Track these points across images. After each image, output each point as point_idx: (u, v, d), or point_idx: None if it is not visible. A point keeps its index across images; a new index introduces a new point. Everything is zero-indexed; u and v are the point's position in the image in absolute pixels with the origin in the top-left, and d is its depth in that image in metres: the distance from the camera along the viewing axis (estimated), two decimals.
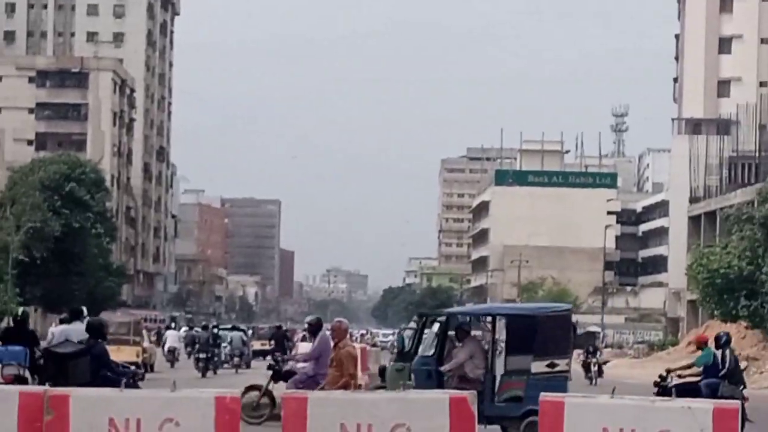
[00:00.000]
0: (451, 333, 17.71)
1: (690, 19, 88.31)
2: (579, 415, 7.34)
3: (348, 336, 14.31)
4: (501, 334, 17.50)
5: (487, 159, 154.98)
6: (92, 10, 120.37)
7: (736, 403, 8.91)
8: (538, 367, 16.28)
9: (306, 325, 22.00)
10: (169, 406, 7.36)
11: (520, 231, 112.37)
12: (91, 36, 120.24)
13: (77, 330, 18.62)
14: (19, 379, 15.80)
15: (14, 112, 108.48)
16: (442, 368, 17.54)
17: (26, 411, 7.10)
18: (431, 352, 18.60)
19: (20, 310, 21.09)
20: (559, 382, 15.67)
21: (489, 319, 18.47)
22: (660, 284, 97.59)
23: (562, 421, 7.16)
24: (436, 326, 18.98)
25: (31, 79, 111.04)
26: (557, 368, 16.86)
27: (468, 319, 20.34)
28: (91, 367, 12.74)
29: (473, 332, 18.89)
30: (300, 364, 17.24)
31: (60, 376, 12.98)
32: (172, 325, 51.50)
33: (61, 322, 22.75)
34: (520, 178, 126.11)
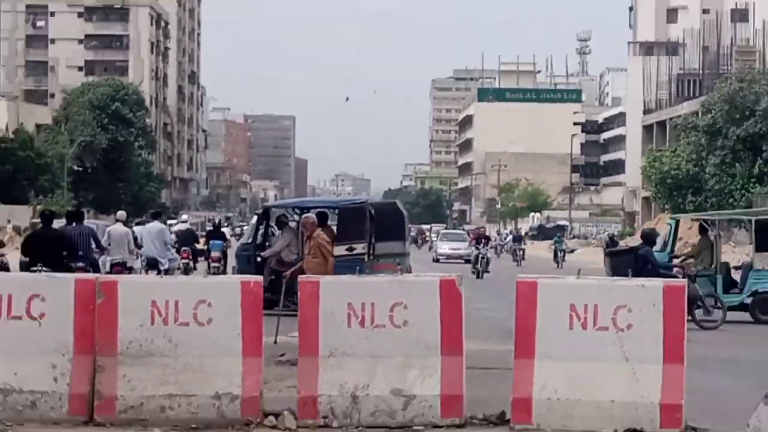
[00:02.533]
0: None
1: None
2: (550, 293, 7.30)
3: (318, 228, 13.98)
4: None
5: (471, 79, 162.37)
6: None
7: (683, 281, 9.10)
8: (339, 250, 16.23)
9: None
10: (203, 290, 7.38)
11: (500, 140, 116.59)
12: None
13: (154, 228, 20.33)
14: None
15: (66, 42, 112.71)
16: (263, 253, 18.54)
17: (81, 295, 7.10)
18: (249, 240, 20.83)
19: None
20: (356, 263, 14.65)
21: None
22: (619, 184, 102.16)
23: (536, 298, 7.10)
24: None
25: (80, 14, 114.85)
26: (355, 251, 17.29)
27: (285, 211, 21.22)
28: None
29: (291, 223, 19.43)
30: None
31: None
32: (225, 224, 52.47)
33: (138, 224, 24.32)
34: (499, 95, 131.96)
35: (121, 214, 19.84)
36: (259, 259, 18.39)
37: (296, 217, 19.18)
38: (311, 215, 14.85)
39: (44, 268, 7.86)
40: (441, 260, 47.50)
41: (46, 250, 12.29)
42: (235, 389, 6.99)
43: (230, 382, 7.00)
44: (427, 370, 7.02)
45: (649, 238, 18.46)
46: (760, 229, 20.66)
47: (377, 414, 6.94)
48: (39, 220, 17.20)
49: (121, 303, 7.04)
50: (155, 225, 20.36)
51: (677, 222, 23.79)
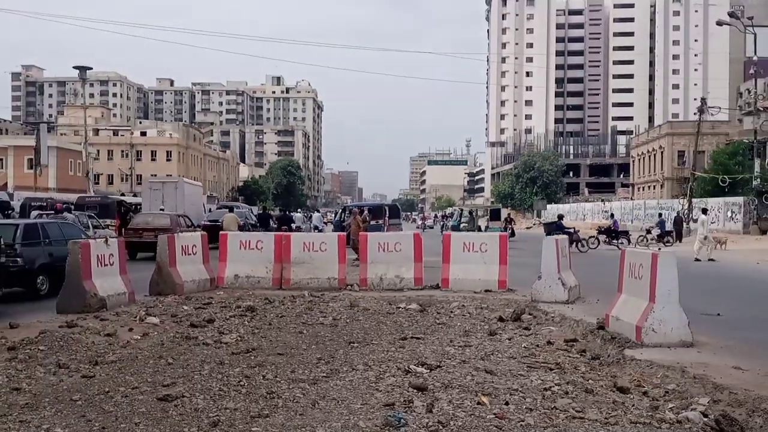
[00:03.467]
0: None
1: None
2: (456, 238, 16.04)
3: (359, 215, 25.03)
4: None
5: (424, 158, 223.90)
6: None
7: (505, 234, 18.31)
8: (375, 222, 29.24)
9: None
10: (324, 238, 16.28)
11: (437, 180, 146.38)
12: None
13: (313, 216, 39.83)
14: None
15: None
16: (344, 224, 31.26)
17: (278, 240, 16.05)
18: (337, 219, 39.16)
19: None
20: (380, 227, 29.45)
21: None
22: (482, 196, 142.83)
23: (449, 239, 15.90)
24: None
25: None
26: (380, 222, 31.08)
27: (352, 208, 36.24)
28: None
29: None
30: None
31: None
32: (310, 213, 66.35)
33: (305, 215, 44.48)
34: (435, 163, 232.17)
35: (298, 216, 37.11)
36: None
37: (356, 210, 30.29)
38: (356, 209, 25.59)
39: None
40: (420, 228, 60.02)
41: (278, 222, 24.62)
42: (336, 275, 15.56)
43: (334, 272, 15.62)
44: (409, 267, 15.42)
45: (560, 218, 29.26)
46: (492, 212, 40.55)
47: (390, 285, 15.17)
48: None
49: (293, 242, 15.95)
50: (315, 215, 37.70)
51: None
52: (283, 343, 9.13)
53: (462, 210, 48.41)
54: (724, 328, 10.51)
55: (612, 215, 44.20)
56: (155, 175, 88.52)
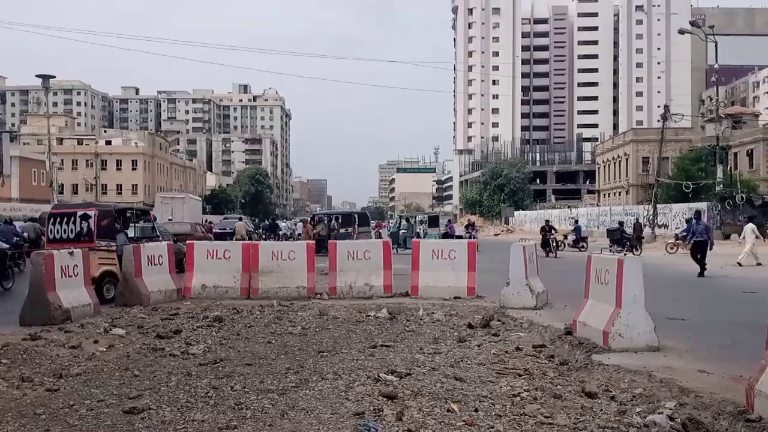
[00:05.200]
0: None
1: None
2: (426, 246, 16.07)
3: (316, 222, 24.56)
4: None
5: (393, 165, 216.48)
6: None
7: (473, 241, 18.34)
8: (344, 229, 31.94)
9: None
10: (292, 246, 16.19)
11: (406, 187, 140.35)
12: None
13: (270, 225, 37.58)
14: None
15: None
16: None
17: (246, 249, 15.98)
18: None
19: None
20: (350, 234, 30.78)
21: None
22: (450, 203, 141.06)
23: (419, 247, 15.94)
24: None
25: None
26: (349, 230, 32.10)
27: (322, 216, 35.91)
28: None
29: None
30: None
31: None
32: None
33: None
34: (404, 170, 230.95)
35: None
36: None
37: (306, 219, 29.86)
38: (308, 219, 25.78)
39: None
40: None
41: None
42: (305, 284, 15.47)
43: (303, 281, 15.54)
44: (379, 275, 15.39)
45: (621, 225, 32.74)
46: (431, 219, 43.31)
47: (360, 293, 15.11)
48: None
49: (261, 251, 15.86)
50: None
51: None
52: (251, 354, 9.06)
53: (401, 217, 49.02)
54: (689, 333, 10.63)
55: (576, 221, 44.66)
56: (120, 185, 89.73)
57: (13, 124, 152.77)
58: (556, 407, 6.40)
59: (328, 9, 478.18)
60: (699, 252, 20.89)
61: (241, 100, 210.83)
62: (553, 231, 33.09)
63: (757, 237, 27.15)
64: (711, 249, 21.82)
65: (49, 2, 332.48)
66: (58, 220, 15.87)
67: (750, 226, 27.02)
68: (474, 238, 32.15)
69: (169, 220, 33.83)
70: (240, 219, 31.37)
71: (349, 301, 14.53)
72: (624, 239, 33.75)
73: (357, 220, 34.01)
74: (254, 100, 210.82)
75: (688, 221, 25.13)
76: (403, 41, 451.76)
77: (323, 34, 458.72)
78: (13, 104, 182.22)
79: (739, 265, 24.93)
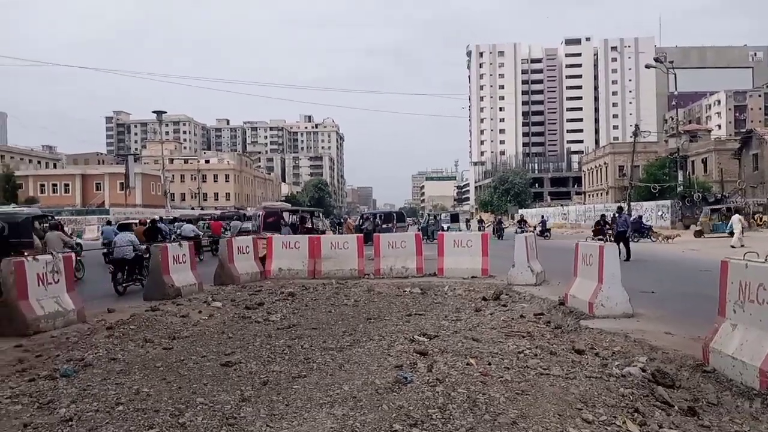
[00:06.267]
0: None
1: None
2: (448, 237, 16.00)
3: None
4: None
5: (423, 175, 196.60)
6: None
7: (486, 233, 18.05)
8: (387, 226, 31.31)
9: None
10: (346, 238, 16.24)
11: (434, 192, 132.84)
12: None
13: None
14: None
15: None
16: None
17: (312, 241, 15.99)
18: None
19: None
20: (390, 229, 29.26)
21: None
22: (468, 204, 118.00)
23: (443, 238, 15.84)
24: None
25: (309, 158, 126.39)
26: (390, 225, 31.49)
27: (370, 214, 36.00)
28: None
29: None
30: None
31: None
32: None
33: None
34: (432, 179, 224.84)
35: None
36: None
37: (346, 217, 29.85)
38: (346, 218, 25.88)
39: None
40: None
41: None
42: (356, 267, 15.43)
43: (354, 265, 15.47)
44: (413, 260, 15.34)
45: (640, 217, 30.49)
46: (452, 216, 42.77)
47: (398, 273, 15.06)
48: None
49: (323, 242, 15.91)
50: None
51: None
52: (316, 320, 9.12)
53: (429, 215, 48.96)
54: (657, 302, 10.42)
55: (543, 216, 45.06)
56: (217, 193, 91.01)
57: (136, 149, 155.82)
58: (552, 361, 6.33)
59: (369, 57, 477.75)
60: (620, 240, 18.94)
61: (306, 127, 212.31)
62: (606, 225, 32.06)
63: (743, 225, 25.76)
64: (630, 238, 20.35)
65: (160, 54, 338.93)
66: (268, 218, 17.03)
67: (736, 217, 25.78)
68: (546, 235, 32.30)
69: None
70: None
71: (390, 279, 14.51)
72: (605, 230, 33.18)
73: (396, 217, 33.96)
74: (316, 127, 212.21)
75: (613, 216, 23.88)
76: (427, 79, 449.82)
77: (369, 75, 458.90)
78: (135, 134, 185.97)
79: (732, 247, 22.93)
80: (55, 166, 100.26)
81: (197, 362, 6.58)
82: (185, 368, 6.33)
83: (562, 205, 79.20)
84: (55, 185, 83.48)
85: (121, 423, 4.62)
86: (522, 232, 30.42)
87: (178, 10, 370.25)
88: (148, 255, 13.05)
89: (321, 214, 46.41)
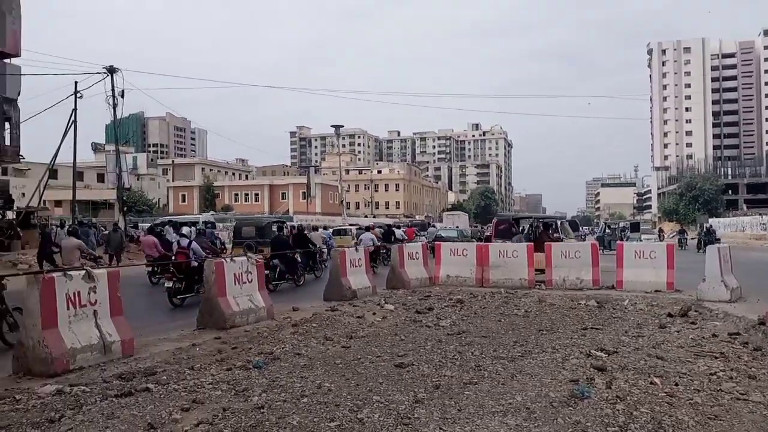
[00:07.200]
0: None
1: None
2: (629, 247, 14.95)
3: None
4: None
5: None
6: None
7: (672, 244, 16.32)
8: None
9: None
10: (514, 246, 15.92)
11: None
12: None
13: None
14: None
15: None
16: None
17: (479, 248, 15.97)
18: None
19: None
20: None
21: None
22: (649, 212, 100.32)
23: (623, 252, 14.80)
24: None
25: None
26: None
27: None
28: None
29: None
30: None
31: None
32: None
33: None
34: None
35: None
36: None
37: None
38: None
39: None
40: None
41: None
42: (526, 276, 14.89)
43: (524, 274, 14.94)
44: (588, 271, 14.38)
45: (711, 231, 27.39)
46: (632, 225, 40.58)
47: (571, 285, 14.24)
48: None
49: (491, 250, 15.73)
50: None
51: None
52: (485, 329, 9.05)
53: (605, 224, 45.93)
54: None
55: (703, 225, 42.64)
56: (387, 202, 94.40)
57: (316, 161, 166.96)
58: (750, 386, 5.66)
59: (537, 62, 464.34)
60: None
61: (473, 136, 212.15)
62: None
63: None
64: None
65: (337, 72, 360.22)
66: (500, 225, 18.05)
67: None
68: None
69: (456, 227, 40.10)
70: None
71: (562, 291, 13.93)
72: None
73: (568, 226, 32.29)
74: (483, 135, 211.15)
75: None
76: (601, 81, 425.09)
77: (537, 79, 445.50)
78: (316, 147, 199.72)
79: None
80: (246, 177, 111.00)
81: (373, 361, 6.84)
82: (362, 367, 6.62)
83: (760, 214, 70.44)
84: (246, 194, 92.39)
85: (306, 414, 4.95)
86: (710, 242, 27.74)
87: (353, 32, 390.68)
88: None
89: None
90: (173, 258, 13.87)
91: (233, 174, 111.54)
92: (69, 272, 7.01)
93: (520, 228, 18.30)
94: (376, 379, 6.08)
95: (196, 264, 12.83)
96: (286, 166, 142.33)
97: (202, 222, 33.60)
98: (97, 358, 6.93)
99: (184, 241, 14.34)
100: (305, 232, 19.47)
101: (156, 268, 15.98)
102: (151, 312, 11.85)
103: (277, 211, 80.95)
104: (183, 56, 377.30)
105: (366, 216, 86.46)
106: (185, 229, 23.38)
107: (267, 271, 14.57)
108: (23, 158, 30.94)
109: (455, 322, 9.65)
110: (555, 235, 16.36)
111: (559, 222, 18.64)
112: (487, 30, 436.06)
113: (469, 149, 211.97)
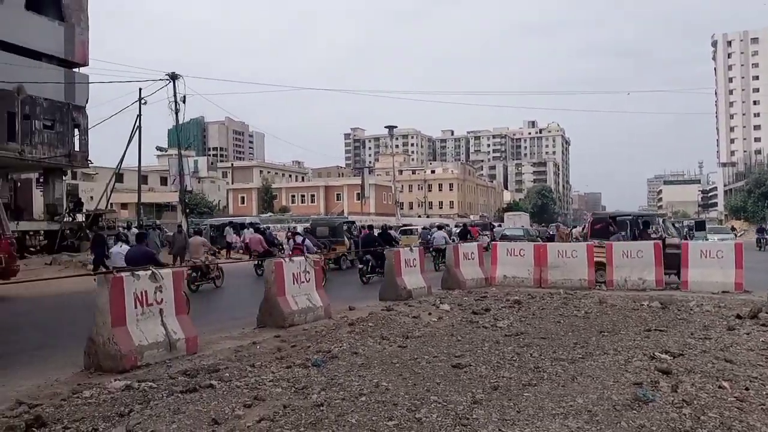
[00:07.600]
0: None
1: None
2: (694, 247, 14.33)
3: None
4: None
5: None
6: None
7: (740, 242, 15.44)
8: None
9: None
10: (574, 246, 15.53)
11: None
12: None
13: None
14: None
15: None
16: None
17: (538, 248, 15.73)
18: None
19: None
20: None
21: None
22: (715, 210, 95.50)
23: (689, 251, 14.26)
24: None
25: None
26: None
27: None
28: None
29: None
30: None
31: None
32: None
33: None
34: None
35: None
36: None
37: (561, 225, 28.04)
38: (560, 224, 24.22)
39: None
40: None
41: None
42: (586, 277, 14.51)
43: (584, 275, 14.55)
44: (650, 271, 13.90)
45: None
46: (697, 224, 38.51)
47: (633, 286, 13.81)
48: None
49: (549, 250, 15.46)
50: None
51: None
52: (544, 330, 8.90)
53: (671, 224, 44.37)
54: None
55: (731, 228, 39.55)
56: (441, 202, 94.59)
57: (370, 162, 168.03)
58: None
59: (595, 58, 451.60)
60: None
61: (529, 133, 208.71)
62: None
63: None
64: None
65: (390, 73, 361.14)
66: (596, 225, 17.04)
67: None
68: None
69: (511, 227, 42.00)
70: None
71: (624, 292, 13.55)
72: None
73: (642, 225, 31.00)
74: (540, 132, 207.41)
75: None
76: (663, 76, 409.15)
77: (589, 76, 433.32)
78: (369, 148, 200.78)
79: None
80: (302, 179, 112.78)
81: (429, 361, 6.84)
82: (419, 366, 6.62)
83: None
84: (303, 196, 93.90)
85: (365, 412, 4.99)
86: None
87: (404, 32, 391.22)
88: None
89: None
90: (290, 252, 16.02)
91: (290, 176, 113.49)
92: (136, 272, 7.29)
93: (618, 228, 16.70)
94: (434, 379, 6.07)
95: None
96: (341, 167, 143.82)
97: (248, 223, 35.61)
98: (162, 355, 7.18)
99: (299, 238, 16.83)
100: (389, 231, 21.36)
101: (261, 262, 16.95)
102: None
103: (333, 212, 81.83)
104: (238, 61, 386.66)
105: (419, 216, 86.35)
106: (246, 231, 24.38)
107: (361, 266, 17.23)
108: (91, 163, 32.46)
109: (513, 323, 9.53)
110: (655, 235, 15.50)
111: (660, 220, 17.87)
112: (541, 26, 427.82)
113: (525, 147, 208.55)
